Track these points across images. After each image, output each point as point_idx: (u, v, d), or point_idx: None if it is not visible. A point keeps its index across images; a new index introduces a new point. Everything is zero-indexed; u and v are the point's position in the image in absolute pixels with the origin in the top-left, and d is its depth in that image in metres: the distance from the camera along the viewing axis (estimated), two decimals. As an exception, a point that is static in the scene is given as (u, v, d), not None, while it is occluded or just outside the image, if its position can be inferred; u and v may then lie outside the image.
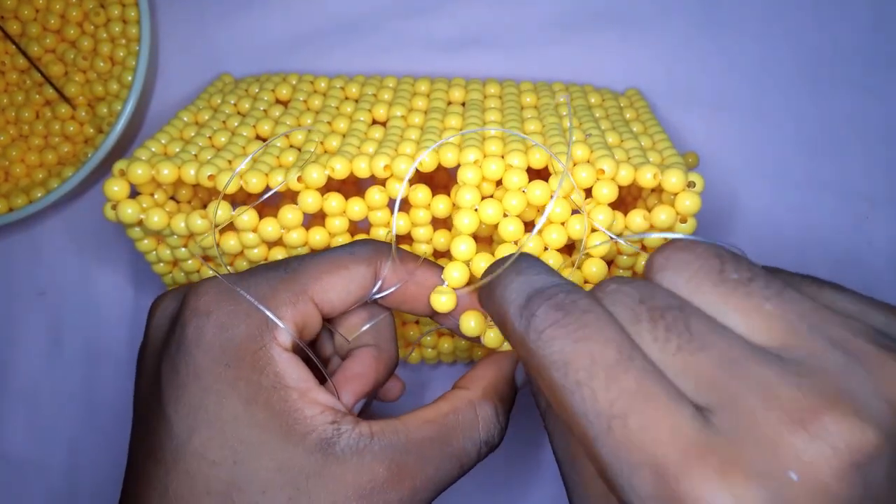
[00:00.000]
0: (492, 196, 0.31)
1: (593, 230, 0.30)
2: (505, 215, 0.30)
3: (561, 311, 0.20)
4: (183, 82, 0.44)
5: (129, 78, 0.41)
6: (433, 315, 0.30)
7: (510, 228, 0.29)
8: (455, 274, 0.29)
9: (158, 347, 0.28)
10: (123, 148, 0.43)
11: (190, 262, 0.35)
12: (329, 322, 0.30)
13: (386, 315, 0.31)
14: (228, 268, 0.35)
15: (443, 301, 0.29)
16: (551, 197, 0.29)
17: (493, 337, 0.30)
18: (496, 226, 0.30)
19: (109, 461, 0.44)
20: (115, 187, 0.32)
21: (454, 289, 0.30)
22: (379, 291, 0.29)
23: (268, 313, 0.26)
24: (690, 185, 0.30)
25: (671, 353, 0.19)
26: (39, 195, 0.41)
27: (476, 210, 0.30)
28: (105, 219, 0.39)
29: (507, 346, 0.30)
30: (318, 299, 0.28)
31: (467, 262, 0.30)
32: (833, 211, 0.43)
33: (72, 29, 0.42)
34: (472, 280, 0.30)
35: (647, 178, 0.30)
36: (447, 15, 0.43)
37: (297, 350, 0.27)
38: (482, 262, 0.29)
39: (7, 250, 0.45)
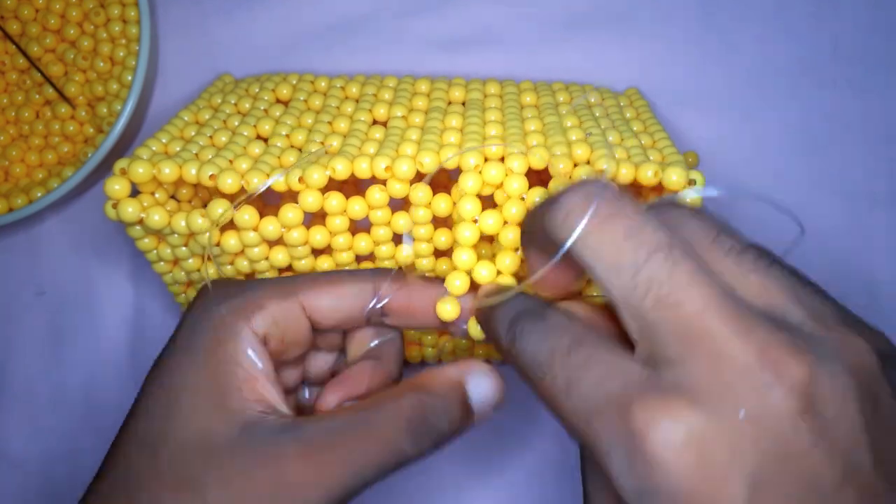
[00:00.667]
0: (492, 197, 0.31)
1: None
2: (505, 223, 0.30)
3: (532, 322, 0.24)
4: (183, 82, 0.44)
5: (129, 78, 0.41)
6: (442, 325, 0.31)
7: (510, 236, 0.30)
8: (457, 283, 0.30)
9: None
10: (123, 148, 0.43)
11: (190, 260, 0.35)
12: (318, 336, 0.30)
13: (394, 336, 0.31)
14: (229, 266, 0.35)
15: (448, 310, 0.30)
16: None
17: None
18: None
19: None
20: (116, 186, 0.32)
21: (457, 297, 0.30)
22: (378, 303, 0.30)
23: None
24: (691, 183, 0.30)
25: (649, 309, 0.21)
26: (39, 195, 0.41)
27: (476, 221, 0.30)
28: (105, 218, 0.39)
29: None
30: (308, 303, 0.28)
31: (468, 272, 0.30)
32: (833, 211, 0.43)
33: (72, 29, 0.42)
34: (473, 286, 0.30)
35: (647, 175, 0.30)
36: (448, 15, 0.43)
37: (273, 351, 0.28)
38: (483, 270, 0.30)
39: (7, 250, 0.45)
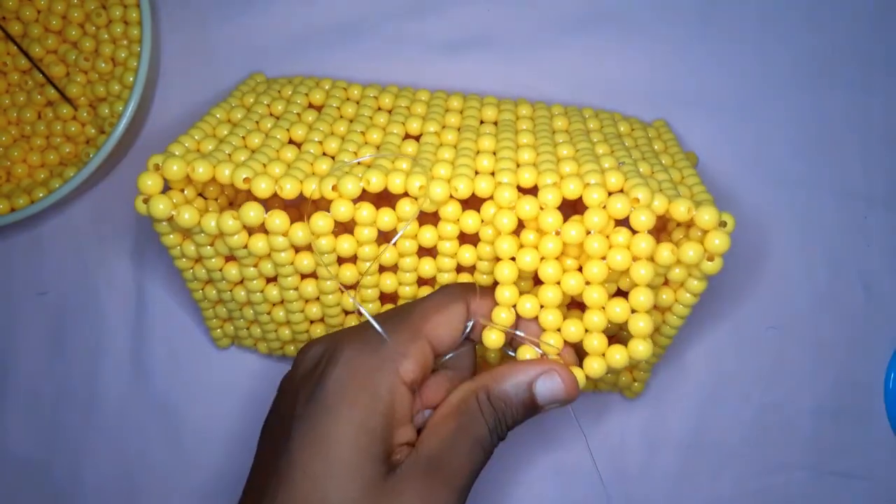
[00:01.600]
0: (522, 223, 0.32)
1: (635, 259, 0.30)
2: (542, 259, 0.31)
3: None
4: (184, 83, 0.44)
5: (131, 79, 0.41)
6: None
7: (549, 271, 0.31)
8: (503, 315, 0.32)
9: (298, 382, 0.31)
10: (125, 148, 0.43)
11: (213, 260, 0.35)
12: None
13: (468, 347, 0.34)
14: (252, 269, 0.35)
15: (493, 339, 0.32)
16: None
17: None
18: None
19: (110, 460, 0.44)
20: (149, 181, 0.32)
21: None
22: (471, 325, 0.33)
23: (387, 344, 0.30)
24: (722, 224, 0.30)
25: None
26: (41, 195, 0.41)
27: (514, 259, 0.31)
28: (107, 218, 0.38)
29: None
30: (431, 336, 0.31)
31: (513, 306, 0.32)
32: (832, 211, 0.43)
33: (73, 30, 0.42)
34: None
35: (680, 210, 0.30)
36: (448, 17, 0.44)
37: (411, 387, 0.31)
38: (527, 304, 0.31)
39: (9, 250, 0.45)
